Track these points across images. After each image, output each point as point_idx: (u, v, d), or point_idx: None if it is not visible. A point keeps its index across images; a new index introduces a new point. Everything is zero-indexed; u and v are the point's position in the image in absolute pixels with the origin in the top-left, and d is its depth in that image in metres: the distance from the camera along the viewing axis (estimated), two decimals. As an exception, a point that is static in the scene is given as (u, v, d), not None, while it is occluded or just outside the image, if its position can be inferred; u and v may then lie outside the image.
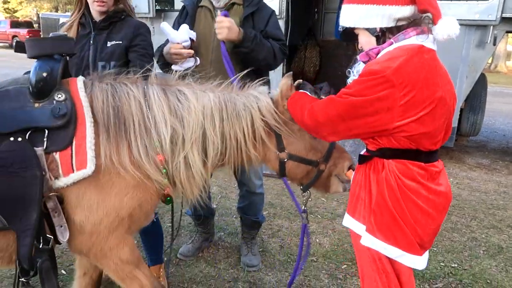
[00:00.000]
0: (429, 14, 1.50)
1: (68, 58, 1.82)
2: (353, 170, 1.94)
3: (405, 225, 1.57)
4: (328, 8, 8.48)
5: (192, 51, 2.44)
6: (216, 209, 3.81)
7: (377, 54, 1.59)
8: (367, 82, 1.48)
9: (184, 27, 2.47)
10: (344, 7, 1.63)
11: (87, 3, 2.34)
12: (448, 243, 3.52)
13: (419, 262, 1.63)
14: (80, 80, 1.78)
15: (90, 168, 1.59)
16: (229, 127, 1.81)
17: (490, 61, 23.77)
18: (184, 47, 2.41)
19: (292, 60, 7.98)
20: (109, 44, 2.31)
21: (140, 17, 6.77)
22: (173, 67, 2.42)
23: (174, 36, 2.43)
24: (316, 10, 8.30)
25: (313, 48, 8.21)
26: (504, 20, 4.97)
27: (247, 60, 2.48)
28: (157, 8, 6.79)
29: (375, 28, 1.59)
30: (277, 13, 5.60)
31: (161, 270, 2.74)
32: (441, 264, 3.19)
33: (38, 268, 1.59)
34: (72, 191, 1.62)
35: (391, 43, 1.55)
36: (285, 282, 2.88)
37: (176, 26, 2.59)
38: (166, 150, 1.72)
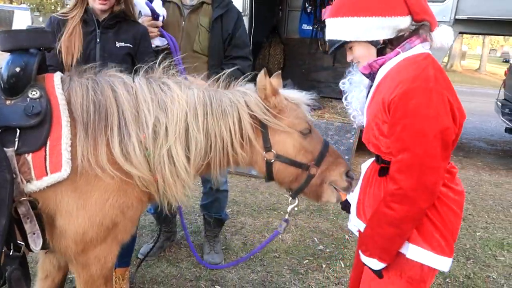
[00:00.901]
0: (426, 22, 1.50)
1: (46, 52, 1.72)
2: (351, 178, 1.86)
3: (446, 231, 1.50)
4: (292, 6, 8.55)
5: (158, 32, 2.44)
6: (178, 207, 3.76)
7: (381, 65, 1.53)
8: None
9: (158, 2, 2.45)
10: (339, 20, 1.53)
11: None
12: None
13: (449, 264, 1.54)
14: (57, 75, 1.67)
15: (65, 171, 1.50)
16: (214, 124, 1.70)
17: (446, 60, 24.88)
18: (156, 23, 2.43)
19: (256, 57, 8.00)
20: (118, 44, 2.19)
21: None
22: None
23: (146, 9, 2.41)
24: (280, 8, 8.35)
25: (277, 45, 8.26)
26: (457, 21, 5.20)
27: None
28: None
29: (379, 40, 1.51)
30: (240, 10, 5.68)
31: (127, 272, 2.68)
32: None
33: (7, 278, 1.48)
34: (48, 196, 1.52)
35: (398, 53, 1.50)
36: (248, 279, 2.89)
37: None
38: (148, 139, 1.62)
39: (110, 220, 1.60)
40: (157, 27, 2.44)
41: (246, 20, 5.76)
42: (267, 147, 1.79)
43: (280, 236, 3.54)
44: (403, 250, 1.50)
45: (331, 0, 7.35)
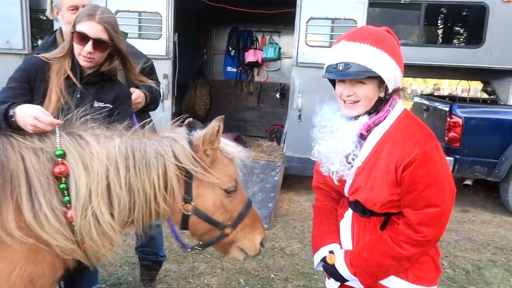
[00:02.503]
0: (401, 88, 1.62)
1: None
2: (263, 246, 1.84)
3: (436, 260, 1.65)
4: (216, 49, 8.85)
5: None
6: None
7: (377, 124, 1.55)
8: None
9: None
10: (380, 53, 1.47)
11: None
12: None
13: None
14: None
15: None
16: (137, 179, 1.60)
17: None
18: None
19: (183, 98, 8.06)
20: (96, 104, 2.01)
21: (13, 54, 6.34)
22: None
23: None
24: (204, 51, 8.58)
25: (203, 87, 8.42)
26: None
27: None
28: (34, 44, 6.36)
29: (389, 89, 1.53)
30: (164, 53, 5.75)
31: None
32: None
33: None
34: None
35: (389, 112, 1.56)
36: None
37: None
38: (74, 204, 1.53)
39: None
40: None
41: (169, 63, 5.84)
42: (187, 199, 1.70)
43: (205, 280, 3.48)
44: (384, 281, 1.61)
45: (253, 44, 7.71)
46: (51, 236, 1.48)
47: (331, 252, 1.69)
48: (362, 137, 1.58)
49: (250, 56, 8.22)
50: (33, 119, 1.62)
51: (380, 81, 1.51)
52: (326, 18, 5.72)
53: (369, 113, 1.57)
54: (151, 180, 1.62)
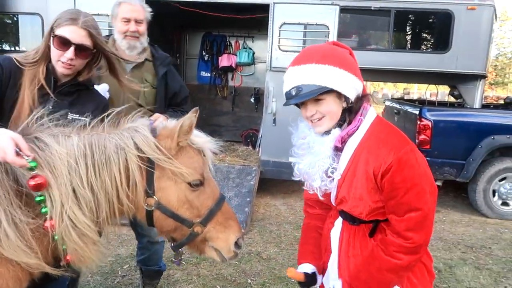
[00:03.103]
0: (367, 94, 1.63)
1: None
2: (239, 247, 1.72)
3: (428, 266, 1.67)
4: (190, 54, 8.78)
5: None
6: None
7: (351, 135, 1.56)
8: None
9: (104, 87, 2.39)
10: (327, 68, 1.50)
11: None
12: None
13: None
14: None
15: None
16: (97, 177, 1.50)
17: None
18: None
19: (156, 103, 7.94)
20: (70, 116, 1.84)
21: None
22: None
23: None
24: (178, 55, 8.50)
25: (177, 92, 8.33)
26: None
27: None
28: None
29: (350, 99, 1.55)
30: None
31: None
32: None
33: None
34: None
35: (361, 121, 1.56)
36: None
37: None
38: (52, 213, 1.44)
39: None
40: None
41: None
42: (149, 193, 1.59)
43: (181, 288, 3.42)
44: None
45: (226, 49, 7.71)
46: (11, 253, 1.40)
47: (306, 273, 1.76)
48: (339, 149, 1.60)
49: (224, 61, 8.21)
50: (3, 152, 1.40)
51: (337, 94, 1.54)
52: (299, 24, 5.79)
53: (339, 125, 1.59)
54: (112, 177, 1.52)
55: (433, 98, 9.16)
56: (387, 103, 7.90)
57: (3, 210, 1.41)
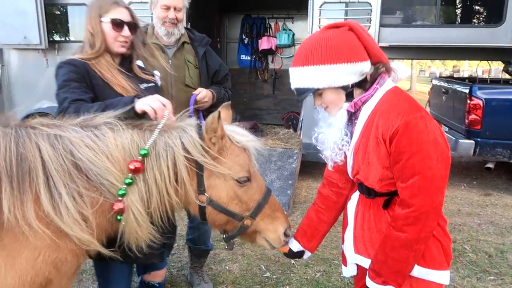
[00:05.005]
0: (381, 63, 1.64)
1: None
2: (287, 236, 1.81)
3: (443, 249, 1.63)
4: (230, 38, 8.82)
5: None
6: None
7: (364, 102, 1.62)
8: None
9: (157, 73, 2.49)
10: (310, 69, 1.58)
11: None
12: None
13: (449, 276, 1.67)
14: None
15: None
16: (148, 170, 1.62)
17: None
18: None
19: (198, 88, 8.08)
20: (143, 87, 2.14)
21: (31, 49, 6.45)
22: None
23: None
24: (218, 40, 8.56)
25: (218, 76, 8.42)
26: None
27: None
28: (50, 39, 6.45)
29: (348, 84, 1.60)
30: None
31: None
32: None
33: None
34: None
35: (376, 89, 1.61)
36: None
37: None
38: (128, 198, 1.58)
39: (43, 277, 1.50)
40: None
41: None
42: (201, 190, 1.70)
43: (227, 267, 3.54)
44: (412, 273, 1.58)
45: (266, 31, 7.66)
46: (69, 227, 1.51)
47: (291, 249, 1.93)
48: (355, 117, 1.66)
49: (264, 44, 8.18)
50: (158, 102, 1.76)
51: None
52: (340, 2, 5.64)
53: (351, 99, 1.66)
54: (161, 172, 1.63)
55: (485, 76, 8.66)
56: (434, 81, 7.56)
57: (64, 185, 1.52)
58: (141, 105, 1.78)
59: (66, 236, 1.52)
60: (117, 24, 2.02)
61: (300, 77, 1.61)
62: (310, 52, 1.58)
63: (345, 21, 1.65)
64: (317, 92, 1.63)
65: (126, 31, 2.04)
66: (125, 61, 2.15)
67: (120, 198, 1.59)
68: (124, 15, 2.04)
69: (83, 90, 1.93)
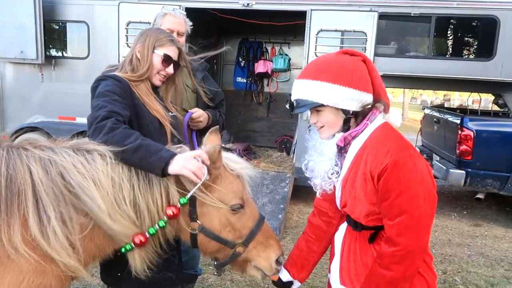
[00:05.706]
0: (382, 102, 1.67)
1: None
2: (279, 264, 1.81)
3: (430, 281, 1.64)
4: (226, 60, 8.91)
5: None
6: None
7: (354, 137, 1.64)
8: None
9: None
10: (320, 84, 1.59)
11: None
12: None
13: None
14: None
15: None
16: (141, 198, 1.60)
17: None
18: None
19: (193, 108, 8.10)
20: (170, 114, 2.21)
21: (27, 64, 6.45)
22: None
23: None
24: (214, 61, 8.65)
25: (213, 97, 8.47)
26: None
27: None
28: (47, 54, 6.47)
29: (350, 110, 1.62)
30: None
31: None
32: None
33: None
34: None
35: (367, 125, 1.63)
36: None
37: None
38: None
39: None
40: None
41: (180, 74, 5.89)
42: (193, 217, 1.69)
43: (215, 292, 3.47)
44: None
45: (263, 55, 7.76)
46: (56, 251, 1.48)
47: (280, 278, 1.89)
48: (344, 150, 1.68)
49: (260, 67, 8.26)
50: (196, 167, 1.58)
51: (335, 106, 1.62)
52: (336, 30, 5.76)
53: (346, 129, 1.67)
54: (154, 200, 1.62)
55: (476, 106, 8.82)
56: (427, 111, 7.67)
57: (53, 209, 1.48)
58: (178, 168, 1.57)
59: (53, 261, 1.49)
60: (166, 60, 2.07)
61: (307, 89, 1.62)
62: (323, 69, 1.62)
63: (360, 53, 1.69)
64: (317, 109, 1.64)
65: (171, 68, 2.11)
66: (155, 90, 2.18)
67: (145, 232, 1.63)
68: (174, 54, 2.11)
69: (123, 105, 1.86)
